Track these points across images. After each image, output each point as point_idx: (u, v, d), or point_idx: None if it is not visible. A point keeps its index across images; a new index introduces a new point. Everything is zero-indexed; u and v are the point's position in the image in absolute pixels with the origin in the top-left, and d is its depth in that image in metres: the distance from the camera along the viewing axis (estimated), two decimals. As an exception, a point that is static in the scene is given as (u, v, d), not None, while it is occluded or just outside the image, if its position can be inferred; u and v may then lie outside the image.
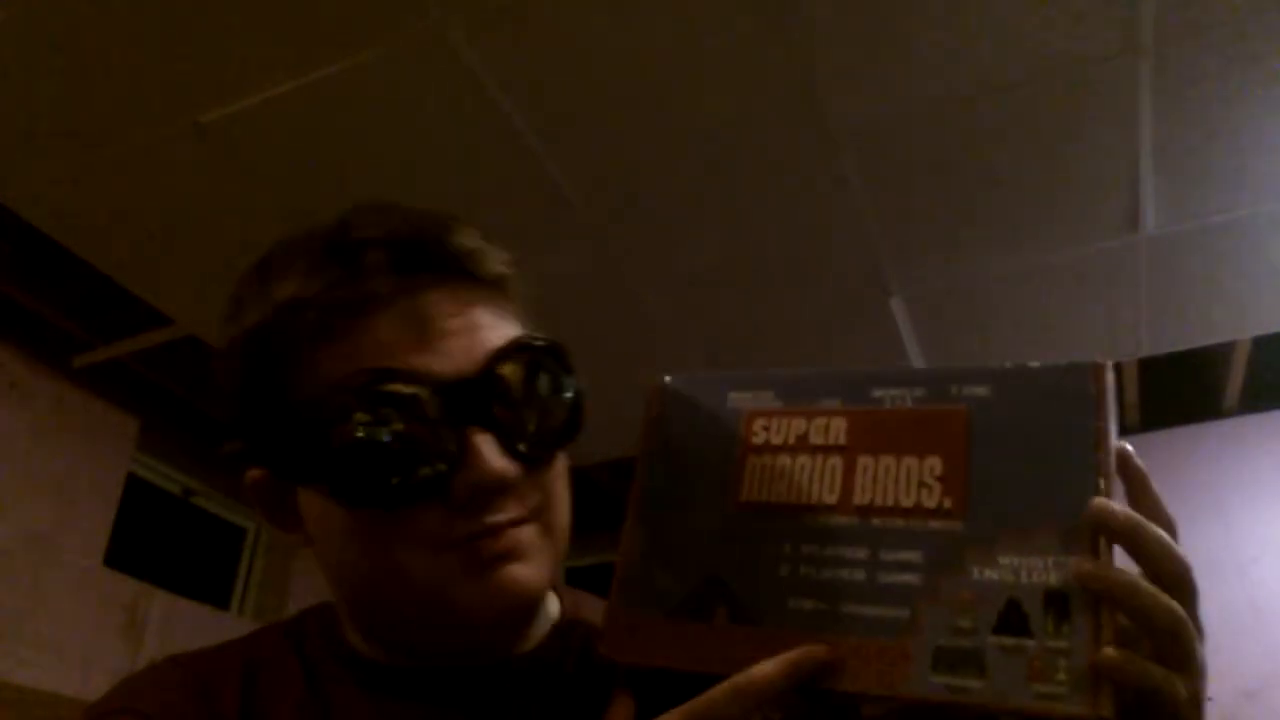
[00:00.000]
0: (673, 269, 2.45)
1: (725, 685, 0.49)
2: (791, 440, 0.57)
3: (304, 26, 1.78)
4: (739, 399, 0.60)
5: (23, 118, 1.98)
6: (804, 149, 2.08)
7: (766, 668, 0.49)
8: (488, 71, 1.88)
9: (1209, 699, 0.51)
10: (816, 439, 0.56)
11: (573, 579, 2.43)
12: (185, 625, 3.09)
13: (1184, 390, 3.18)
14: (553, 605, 0.70)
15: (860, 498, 0.54)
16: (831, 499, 0.55)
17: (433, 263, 0.59)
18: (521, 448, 0.58)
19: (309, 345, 0.57)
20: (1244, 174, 2.14)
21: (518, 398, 0.59)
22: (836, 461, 0.55)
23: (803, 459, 0.56)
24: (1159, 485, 0.53)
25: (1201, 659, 0.49)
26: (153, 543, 3.31)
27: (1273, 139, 2.05)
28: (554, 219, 2.24)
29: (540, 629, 0.67)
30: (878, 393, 0.56)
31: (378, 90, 1.91)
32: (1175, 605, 0.47)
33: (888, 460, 0.54)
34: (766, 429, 0.58)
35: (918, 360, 2.79)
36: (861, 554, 0.52)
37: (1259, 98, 1.95)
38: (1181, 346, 2.77)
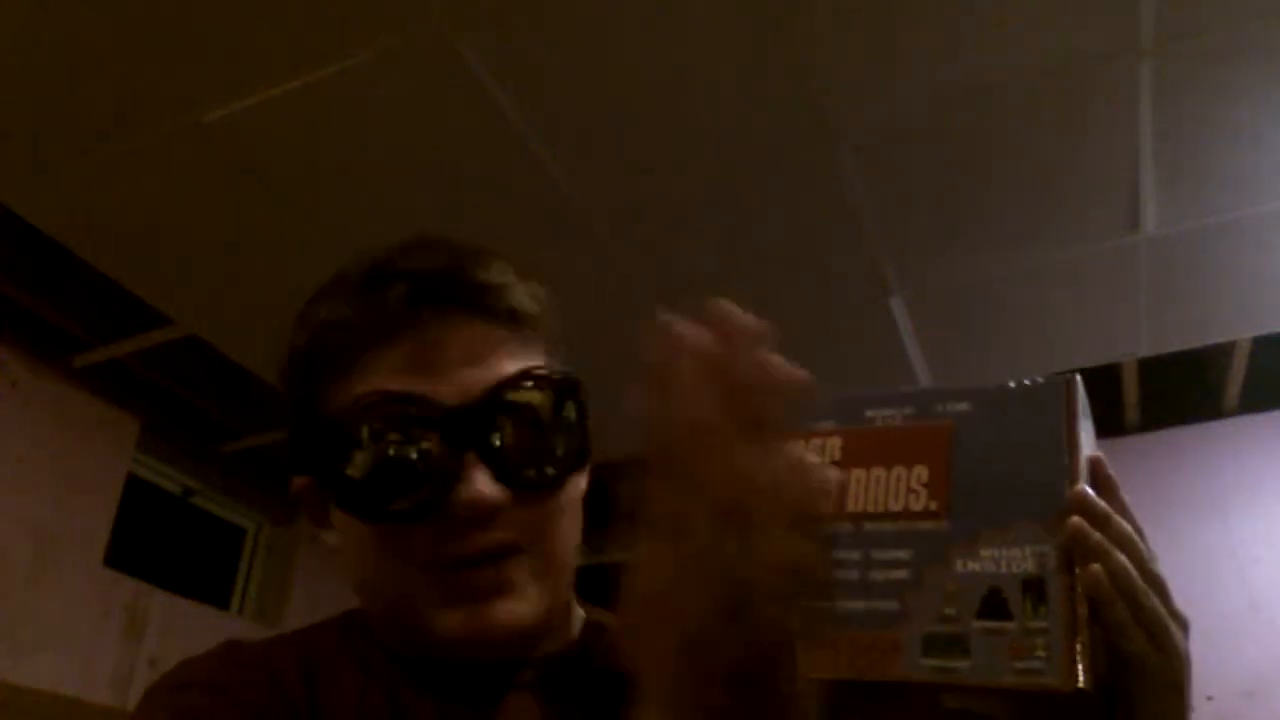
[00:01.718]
0: (673, 269, 2.45)
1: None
2: None
3: (304, 26, 1.78)
4: None
5: (23, 118, 1.99)
6: (804, 149, 2.08)
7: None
8: (488, 72, 1.88)
9: (1209, 698, 0.52)
10: (813, 457, 0.60)
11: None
12: (185, 625, 3.09)
13: (1184, 390, 3.18)
14: (578, 608, 0.72)
15: (853, 506, 0.58)
16: (826, 509, 0.58)
17: (455, 296, 0.62)
18: (521, 475, 0.60)
19: (335, 367, 0.62)
20: (1244, 174, 2.14)
21: (519, 427, 0.61)
22: (831, 476, 0.59)
23: None
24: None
25: (1182, 645, 0.51)
26: (153, 543, 3.31)
27: (1273, 139, 2.05)
28: (554, 219, 2.24)
29: (572, 629, 0.70)
30: (870, 413, 0.61)
31: (378, 90, 1.91)
32: (1142, 581, 0.50)
33: (879, 471, 0.58)
34: None
35: (918, 360, 2.79)
36: (854, 555, 0.56)
37: (1259, 98, 1.95)
38: (1181, 346, 2.77)
